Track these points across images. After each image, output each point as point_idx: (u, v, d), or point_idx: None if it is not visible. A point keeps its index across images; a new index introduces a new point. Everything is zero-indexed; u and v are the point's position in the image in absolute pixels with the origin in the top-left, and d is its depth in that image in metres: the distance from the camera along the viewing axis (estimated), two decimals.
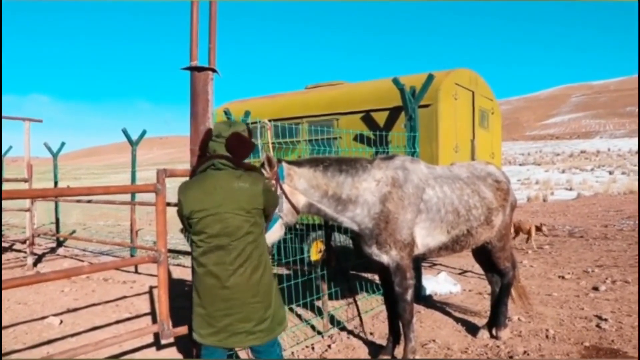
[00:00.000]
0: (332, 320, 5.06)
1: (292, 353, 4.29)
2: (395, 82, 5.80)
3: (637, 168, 34.42)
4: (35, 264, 8.64)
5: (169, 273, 5.93)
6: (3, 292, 5.72)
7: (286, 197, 3.26)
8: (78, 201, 8.85)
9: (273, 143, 5.30)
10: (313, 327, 4.89)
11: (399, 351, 4.08)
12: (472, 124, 7.29)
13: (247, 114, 7.18)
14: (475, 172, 4.29)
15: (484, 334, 4.56)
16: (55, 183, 11.42)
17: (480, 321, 4.92)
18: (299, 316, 5.23)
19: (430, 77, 5.76)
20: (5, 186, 11.19)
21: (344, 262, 5.84)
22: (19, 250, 10.37)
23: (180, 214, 2.72)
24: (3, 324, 5.14)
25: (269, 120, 4.30)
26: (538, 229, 9.25)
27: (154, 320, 5.27)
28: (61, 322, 5.34)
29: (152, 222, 11.50)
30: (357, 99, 7.13)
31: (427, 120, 6.27)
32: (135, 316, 5.55)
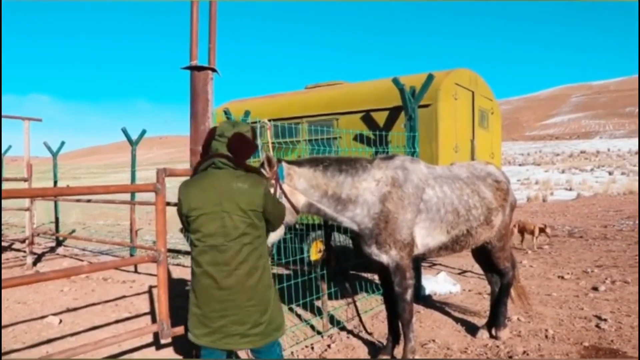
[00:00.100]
0: (332, 320, 5.05)
1: (292, 353, 4.29)
2: (395, 82, 5.80)
3: (636, 168, 34.44)
4: (34, 264, 8.63)
5: (169, 273, 5.92)
6: (3, 291, 5.71)
7: (286, 196, 3.26)
8: (78, 200, 8.86)
9: (273, 143, 5.30)
10: (313, 327, 4.89)
11: (398, 351, 4.08)
12: (472, 124, 7.29)
13: (247, 113, 7.18)
14: (475, 172, 4.29)
15: (483, 334, 4.56)
16: (55, 182, 11.44)
17: (480, 321, 4.92)
18: (298, 316, 5.22)
19: (430, 77, 5.77)
20: (5, 185, 11.18)
21: (343, 262, 5.84)
22: (18, 250, 10.36)
23: (179, 212, 2.71)
24: (2, 323, 5.13)
25: (269, 120, 4.30)
26: (542, 230, 9.23)
27: (154, 320, 5.27)
28: (60, 321, 5.34)
29: (151, 221, 11.49)
30: (357, 98, 7.13)
31: (427, 120, 6.28)
32: (135, 316, 5.55)
